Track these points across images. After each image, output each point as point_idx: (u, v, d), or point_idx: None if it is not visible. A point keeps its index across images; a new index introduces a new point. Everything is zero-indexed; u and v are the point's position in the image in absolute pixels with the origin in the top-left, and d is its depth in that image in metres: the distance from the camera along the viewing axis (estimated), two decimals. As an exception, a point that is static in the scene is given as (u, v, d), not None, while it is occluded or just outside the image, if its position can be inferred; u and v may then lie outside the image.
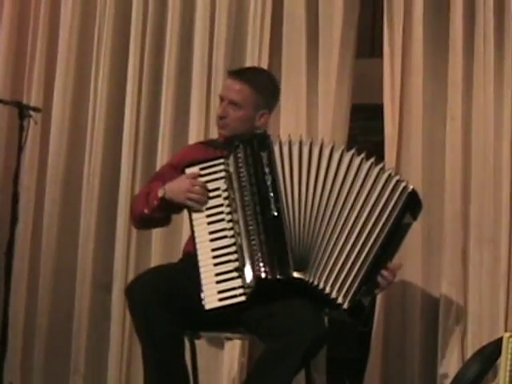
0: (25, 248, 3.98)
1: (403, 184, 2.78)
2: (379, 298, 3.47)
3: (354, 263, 2.69)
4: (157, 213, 2.85)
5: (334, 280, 2.66)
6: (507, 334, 2.80)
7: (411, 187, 2.79)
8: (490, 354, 3.07)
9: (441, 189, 3.52)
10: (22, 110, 3.30)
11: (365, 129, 4.27)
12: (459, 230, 3.46)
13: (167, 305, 2.65)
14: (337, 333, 3.08)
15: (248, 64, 3.69)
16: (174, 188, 2.78)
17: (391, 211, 2.74)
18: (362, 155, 2.79)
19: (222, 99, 2.98)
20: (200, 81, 3.79)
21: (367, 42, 4.37)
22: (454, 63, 3.49)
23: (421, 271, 3.51)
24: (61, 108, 4.02)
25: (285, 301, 2.65)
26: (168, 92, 3.85)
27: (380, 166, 2.78)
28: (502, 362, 2.80)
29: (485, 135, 3.45)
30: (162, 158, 3.77)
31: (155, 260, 3.78)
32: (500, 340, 2.86)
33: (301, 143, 2.78)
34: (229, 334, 3.01)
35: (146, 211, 2.85)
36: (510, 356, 2.78)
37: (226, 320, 2.74)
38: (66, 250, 3.98)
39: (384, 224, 2.72)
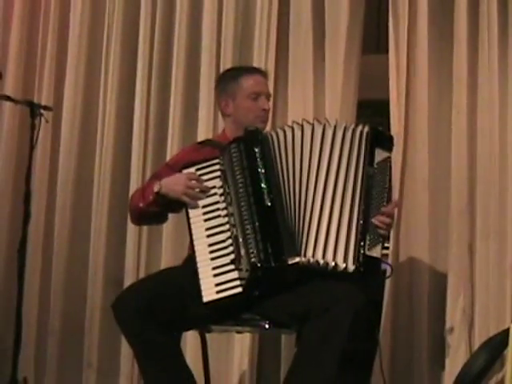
0: (37, 246, 4.00)
1: (359, 129, 2.78)
2: (387, 291, 3.49)
3: (340, 224, 2.67)
4: (152, 207, 2.84)
5: (324, 249, 2.64)
6: (514, 325, 2.78)
7: (367, 127, 2.78)
8: (497, 344, 3.08)
9: (447, 184, 3.51)
10: (34, 109, 3.27)
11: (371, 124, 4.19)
12: (465, 224, 3.46)
13: (153, 316, 2.66)
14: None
15: (255, 61, 3.72)
16: (170, 183, 2.78)
17: (357, 158, 2.73)
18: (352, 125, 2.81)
19: (257, 95, 2.98)
20: (208, 77, 3.80)
21: (373, 37, 4.35)
22: (459, 58, 3.49)
23: (428, 265, 3.50)
24: (71, 106, 4.03)
25: (303, 284, 2.64)
26: (177, 89, 3.87)
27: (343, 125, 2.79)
28: (509, 352, 2.82)
29: (490, 129, 3.44)
30: (171, 156, 3.64)
31: (166, 256, 3.80)
32: (507, 331, 2.88)
33: (293, 128, 2.78)
34: (239, 328, 2.96)
35: (141, 205, 2.85)
36: (516, 346, 2.75)
37: (234, 314, 2.76)
38: (77, 248, 3.99)
39: (355, 174, 2.72)
